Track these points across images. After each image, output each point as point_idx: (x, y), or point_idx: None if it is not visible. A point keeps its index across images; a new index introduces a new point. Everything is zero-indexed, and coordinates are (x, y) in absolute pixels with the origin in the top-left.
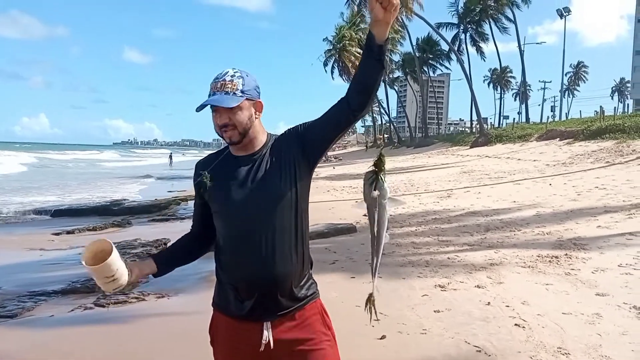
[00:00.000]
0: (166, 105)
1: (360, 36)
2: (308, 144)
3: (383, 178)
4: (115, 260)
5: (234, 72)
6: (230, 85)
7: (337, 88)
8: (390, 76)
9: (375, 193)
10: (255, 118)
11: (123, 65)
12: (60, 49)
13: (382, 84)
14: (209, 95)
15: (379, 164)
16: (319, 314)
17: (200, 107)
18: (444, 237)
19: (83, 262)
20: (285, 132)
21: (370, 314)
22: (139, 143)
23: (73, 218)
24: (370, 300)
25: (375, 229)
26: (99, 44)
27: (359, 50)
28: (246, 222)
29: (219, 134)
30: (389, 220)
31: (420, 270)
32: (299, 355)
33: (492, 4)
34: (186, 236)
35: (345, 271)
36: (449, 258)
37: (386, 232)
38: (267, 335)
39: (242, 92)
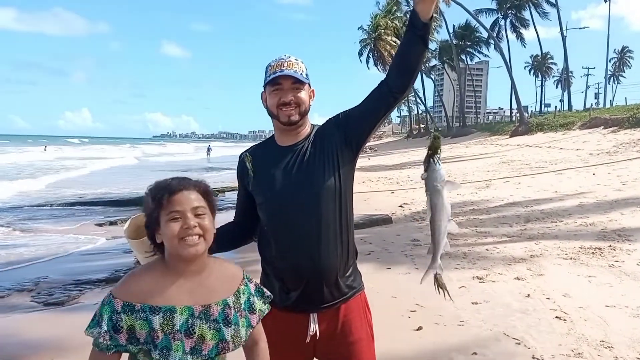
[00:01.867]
0: (203, 98)
1: (396, 24)
2: (350, 131)
3: (436, 160)
4: None
5: (296, 58)
6: (296, 66)
7: (373, 78)
8: (427, 65)
9: (424, 175)
10: (310, 105)
11: (162, 59)
12: (101, 45)
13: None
14: (272, 74)
15: (433, 146)
16: (362, 309)
17: (274, 81)
18: (483, 228)
19: (125, 235)
20: (326, 121)
21: (444, 293)
22: (178, 136)
23: (116, 209)
24: (437, 281)
25: (430, 215)
26: (139, 39)
27: (395, 39)
28: (290, 213)
29: (273, 114)
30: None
31: (458, 262)
32: (338, 350)
33: None
34: (230, 224)
35: (381, 262)
36: (487, 250)
37: (450, 219)
38: (315, 327)
39: (306, 75)
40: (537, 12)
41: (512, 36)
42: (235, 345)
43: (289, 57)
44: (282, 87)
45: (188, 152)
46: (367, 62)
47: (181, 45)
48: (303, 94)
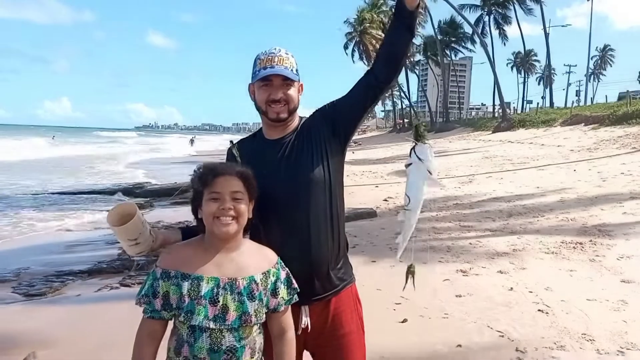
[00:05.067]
0: (187, 89)
1: (381, 19)
2: (337, 122)
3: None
4: (139, 223)
5: (286, 51)
6: (287, 62)
7: (358, 72)
8: (412, 60)
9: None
10: (298, 100)
11: (147, 49)
12: (85, 33)
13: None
14: (262, 68)
15: (417, 134)
16: (353, 301)
17: (264, 76)
18: (466, 222)
19: (108, 222)
20: (313, 113)
21: (410, 282)
22: (160, 127)
23: (97, 199)
24: (409, 271)
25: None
26: (124, 28)
27: (380, 33)
28: (280, 205)
29: (261, 110)
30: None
31: (442, 255)
32: (329, 343)
33: None
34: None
35: (366, 255)
36: (470, 243)
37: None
38: (306, 320)
39: (296, 71)
40: (522, 8)
41: (496, 32)
42: (257, 319)
43: (280, 50)
44: (271, 83)
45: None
46: (352, 55)
47: (167, 35)
48: (293, 91)
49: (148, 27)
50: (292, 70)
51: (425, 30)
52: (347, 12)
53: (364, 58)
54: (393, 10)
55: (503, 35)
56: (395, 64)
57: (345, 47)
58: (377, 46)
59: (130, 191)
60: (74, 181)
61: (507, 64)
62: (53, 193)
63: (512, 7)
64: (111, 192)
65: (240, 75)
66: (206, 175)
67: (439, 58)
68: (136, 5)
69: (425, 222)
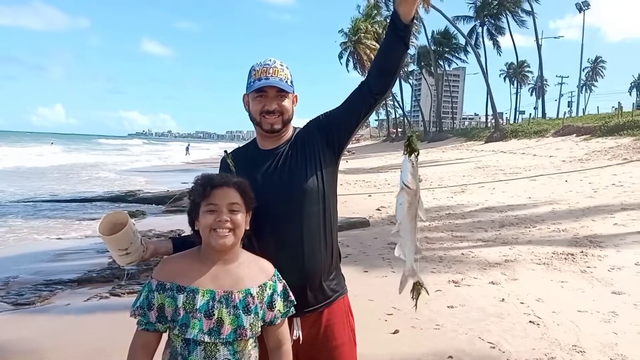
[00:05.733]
0: (182, 97)
1: (376, 29)
2: (331, 133)
3: (413, 160)
4: (130, 233)
5: (281, 63)
6: (282, 74)
7: (353, 81)
8: (406, 70)
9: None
10: (293, 111)
11: (142, 57)
12: (80, 40)
13: None
14: (257, 80)
15: (412, 145)
16: (345, 313)
17: (258, 88)
18: (458, 232)
19: (99, 231)
20: (307, 123)
21: (416, 302)
22: (154, 134)
23: (87, 207)
24: (416, 289)
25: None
26: (119, 35)
27: (374, 43)
28: (273, 216)
29: (255, 121)
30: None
31: (434, 266)
32: (321, 355)
33: None
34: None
35: (359, 265)
36: (462, 254)
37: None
38: (298, 332)
39: (291, 82)
40: (514, 20)
41: (489, 43)
42: (253, 333)
43: (275, 62)
44: (266, 94)
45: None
46: (347, 65)
47: (163, 43)
48: (287, 103)
49: (144, 35)
50: (286, 81)
51: (419, 40)
52: (343, 23)
53: (359, 68)
54: (388, 21)
55: (497, 46)
56: (390, 76)
57: (340, 56)
58: (372, 56)
59: (122, 199)
60: (65, 188)
61: (500, 75)
62: (44, 201)
63: (504, 19)
64: (102, 200)
65: (235, 84)
66: (203, 187)
67: (432, 68)
68: (132, 12)
69: (418, 232)
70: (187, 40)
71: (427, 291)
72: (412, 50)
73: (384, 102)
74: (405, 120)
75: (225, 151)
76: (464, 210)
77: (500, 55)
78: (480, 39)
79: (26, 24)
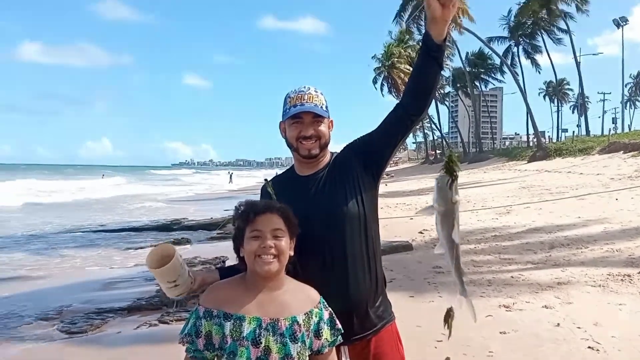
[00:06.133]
0: (221, 127)
1: (409, 53)
2: (368, 156)
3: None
4: (177, 265)
5: (316, 89)
6: (317, 100)
7: (388, 105)
8: (441, 91)
9: (457, 197)
10: (329, 136)
11: (183, 90)
12: (123, 76)
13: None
14: (292, 106)
15: (450, 166)
16: (394, 340)
17: (294, 114)
18: (506, 255)
19: (147, 264)
20: (344, 147)
21: (450, 329)
22: (196, 164)
23: (135, 236)
24: (449, 315)
25: (458, 238)
26: (161, 70)
27: (408, 67)
28: (315, 243)
29: (293, 147)
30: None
31: (483, 290)
32: None
33: (545, 17)
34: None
35: (404, 290)
36: (512, 277)
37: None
38: None
39: (326, 107)
40: (550, 38)
41: (526, 62)
42: None
43: (309, 88)
44: (302, 120)
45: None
46: (382, 89)
47: (202, 76)
48: (323, 128)
49: (184, 69)
50: (321, 107)
51: (453, 62)
52: (375, 49)
53: (393, 92)
54: (420, 44)
55: (535, 64)
56: (425, 97)
57: (374, 81)
58: (406, 79)
59: (167, 227)
60: (115, 219)
61: (539, 93)
62: (94, 231)
63: (540, 37)
64: (149, 229)
65: (270, 112)
66: (247, 213)
67: (468, 89)
68: (172, 48)
69: (464, 255)
70: (224, 73)
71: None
72: (446, 73)
73: (420, 124)
74: (444, 142)
75: (266, 179)
76: (510, 231)
77: (539, 73)
78: (517, 59)
79: (71, 62)
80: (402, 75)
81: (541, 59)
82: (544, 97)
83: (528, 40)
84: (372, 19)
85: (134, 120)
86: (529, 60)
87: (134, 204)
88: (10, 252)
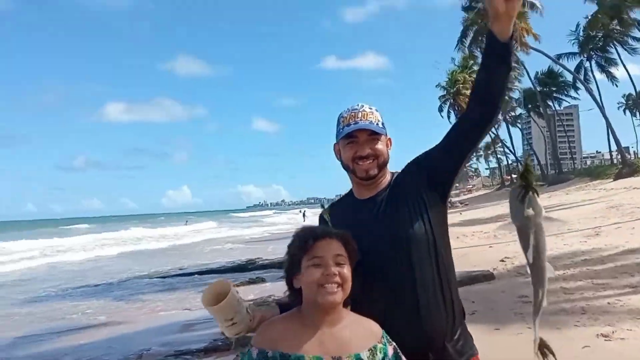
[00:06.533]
0: (290, 167)
1: (474, 78)
2: (433, 172)
3: (536, 192)
4: (234, 301)
5: (370, 106)
6: (372, 116)
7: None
8: (512, 114)
9: (530, 211)
10: (388, 155)
11: (252, 134)
12: (199, 126)
13: (503, 123)
14: (345, 126)
15: (526, 176)
16: None
17: (348, 133)
18: (599, 279)
19: (203, 302)
20: (406, 165)
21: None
22: (269, 205)
23: (211, 278)
24: (543, 347)
25: (531, 256)
26: (232, 117)
27: None
28: (379, 272)
29: (349, 168)
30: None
31: (577, 319)
32: None
33: (616, 27)
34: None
35: (488, 322)
36: (609, 303)
37: (547, 262)
38: None
39: (382, 124)
40: (625, 49)
41: (601, 76)
42: None
43: (363, 106)
44: (357, 139)
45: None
46: (448, 117)
47: (270, 119)
48: (380, 146)
49: (253, 114)
50: (377, 124)
51: (522, 83)
52: (439, 77)
53: None
54: (484, 50)
55: (611, 78)
56: (493, 103)
57: (440, 109)
58: None
59: (243, 267)
60: (195, 262)
61: (618, 107)
62: (174, 275)
63: (613, 49)
64: (225, 270)
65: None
66: (305, 240)
67: (541, 109)
68: (242, 96)
69: (553, 282)
70: (290, 114)
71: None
72: (516, 94)
73: (492, 149)
74: (519, 166)
75: (322, 206)
76: (601, 254)
77: (616, 87)
78: (590, 74)
79: (152, 118)
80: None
81: (617, 72)
82: (624, 111)
83: (601, 54)
84: (433, 45)
85: (210, 167)
86: (604, 74)
87: (213, 246)
88: (92, 300)
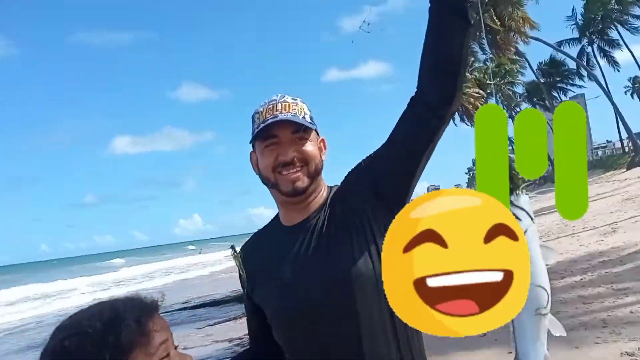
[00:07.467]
0: None
1: (475, 75)
2: (381, 182)
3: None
4: None
5: (294, 97)
6: (296, 108)
7: (464, 134)
8: (518, 110)
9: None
10: (322, 160)
11: None
12: (207, 151)
13: (509, 120)
14: (262, 122)
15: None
16: None
17: (265, 129)
18: (620, 284)
19: None
20: (346, 176)
21: None
22: None
23: (215, 310)
24: None
25: None
26: (240, 140)
27: (477, 90)
28: (314, 326)
29: (269, 181)
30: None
31: (598, 334)
32: None
33: (615, 7)
34: (247, 353)
35: (501, 345)
36: (632, 312)
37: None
38: None
39: (311, 118)
40: (626, 29)
41: (603, 61)
42: None
43: (283, 97)
44: (278, 140)
45: None
46: (453, 119)
47: None
48: (310, 147)
49: None
50: (304, 117)
51: (525, 76)
52: None
53: (465, 119)
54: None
55: (613, 62)
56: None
57: None
58: (477, 104)
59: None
60: (203, 292)
61: (625, 92)
62: (177, 310)
63: (614, 30)
64: (229, 300)
65: (346, 163)
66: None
67: (546, 102)
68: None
69: (568, 291)
70: None
71: None
72: (519, 89)
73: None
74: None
75: (232, 247)
76: (620, 253)
77: (618, 71)
78: (593, 59)
79: (159, 148)
80: (472, 99)
81: (621, 53)
82: (632, 95)
83: (601, 37)
84: None
85: (220, 193)
86: (605, 59)
87: (223, 275)
88: None
